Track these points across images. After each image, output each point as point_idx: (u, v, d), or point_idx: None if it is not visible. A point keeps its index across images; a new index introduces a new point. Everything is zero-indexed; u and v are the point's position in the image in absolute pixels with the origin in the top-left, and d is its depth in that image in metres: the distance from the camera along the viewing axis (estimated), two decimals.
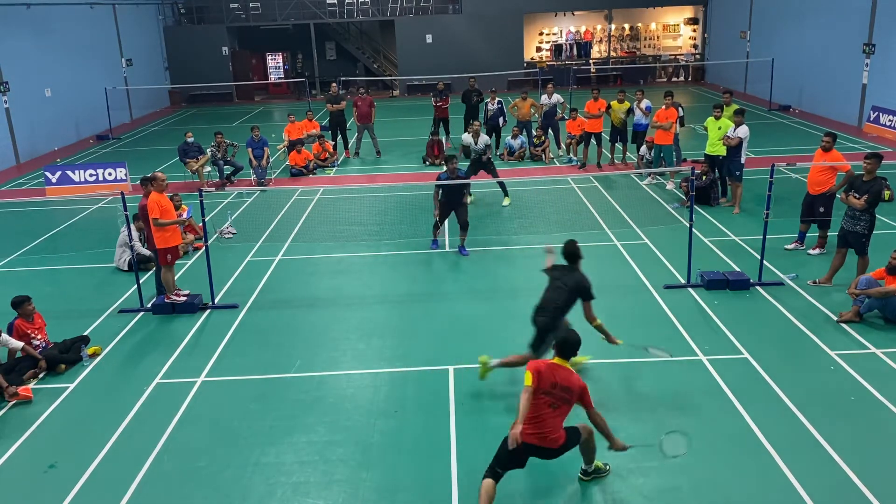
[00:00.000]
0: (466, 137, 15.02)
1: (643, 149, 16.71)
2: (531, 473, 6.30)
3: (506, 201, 14.76)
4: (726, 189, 14.19)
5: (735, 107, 14.14)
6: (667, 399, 7.44)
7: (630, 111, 16.74)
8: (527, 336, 8.97)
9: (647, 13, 35.90)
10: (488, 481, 5.60)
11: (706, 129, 14.00)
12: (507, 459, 5.63)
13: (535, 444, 5.60)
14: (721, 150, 13.54)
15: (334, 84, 20.20)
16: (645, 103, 16.31)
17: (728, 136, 13.23)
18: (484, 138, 14.91)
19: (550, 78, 23.24)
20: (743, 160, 13.31)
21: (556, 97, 18.38)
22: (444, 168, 12.97)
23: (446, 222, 12.47)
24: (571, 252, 7.53)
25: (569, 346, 5.73)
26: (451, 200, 11.87)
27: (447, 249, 12.25)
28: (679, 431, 5.84)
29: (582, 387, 5.63)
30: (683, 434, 5.79)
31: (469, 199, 12.94)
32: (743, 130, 13.11)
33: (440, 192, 11.97)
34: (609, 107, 16.93)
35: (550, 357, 5.79)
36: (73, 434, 7.27)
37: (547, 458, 5.79)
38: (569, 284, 7.30)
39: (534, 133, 18.97)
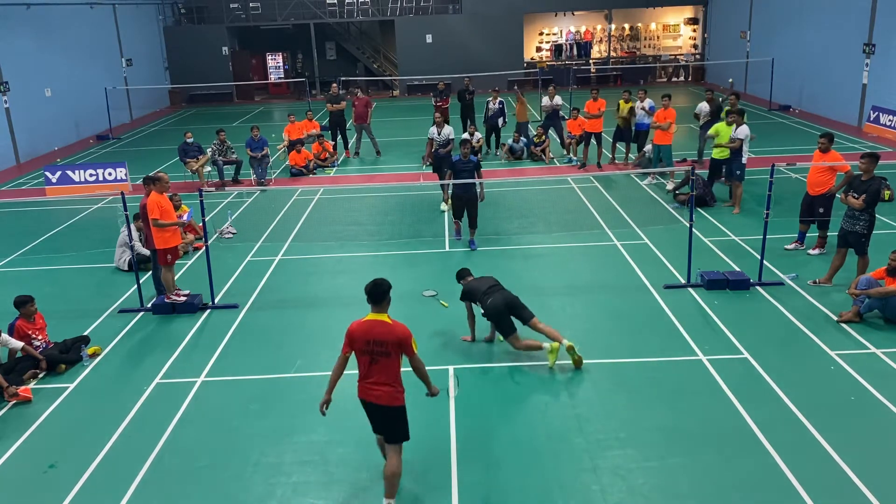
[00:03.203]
0: (431, 130, 15.47)
1: (647, 147, 16.70)
2: (529, 472, 6.31)
3: (443, 206, 14.24)
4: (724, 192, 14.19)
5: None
6: (667, 399, 7.44)
7: (632, 111, 16.75)
8: (525, 336, 8.99)
9: (647, 13, 35.91)
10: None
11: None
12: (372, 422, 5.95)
13: (366, 401, 5.83)
14: (724, 153, 13.56)
15: (334, 84, 20.22)
16: (648, 103, 16.31)
17: (731, 138, 13.24)
18: (448, 130, 15.08)
19: (551, 78, 23.25)
20: (744, 160, 13.32)
21: (558, 99, 18.41)
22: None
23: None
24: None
25: (377, 293, 5.67)
26: (465, 195, 11.89)
27: (447, 249, 12.25)
28: None
29: (400, 337, 5.61)
30: None
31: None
32: (742, 130, 13.11)
33: (449, 183, 12.27)
34: (618, 107, 16.98)
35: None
36: (73, 434, 7.26)
37: (388, 423, 5.84)
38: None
39: (532, 133, 18.99)
